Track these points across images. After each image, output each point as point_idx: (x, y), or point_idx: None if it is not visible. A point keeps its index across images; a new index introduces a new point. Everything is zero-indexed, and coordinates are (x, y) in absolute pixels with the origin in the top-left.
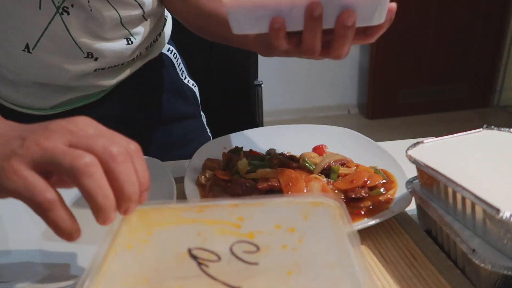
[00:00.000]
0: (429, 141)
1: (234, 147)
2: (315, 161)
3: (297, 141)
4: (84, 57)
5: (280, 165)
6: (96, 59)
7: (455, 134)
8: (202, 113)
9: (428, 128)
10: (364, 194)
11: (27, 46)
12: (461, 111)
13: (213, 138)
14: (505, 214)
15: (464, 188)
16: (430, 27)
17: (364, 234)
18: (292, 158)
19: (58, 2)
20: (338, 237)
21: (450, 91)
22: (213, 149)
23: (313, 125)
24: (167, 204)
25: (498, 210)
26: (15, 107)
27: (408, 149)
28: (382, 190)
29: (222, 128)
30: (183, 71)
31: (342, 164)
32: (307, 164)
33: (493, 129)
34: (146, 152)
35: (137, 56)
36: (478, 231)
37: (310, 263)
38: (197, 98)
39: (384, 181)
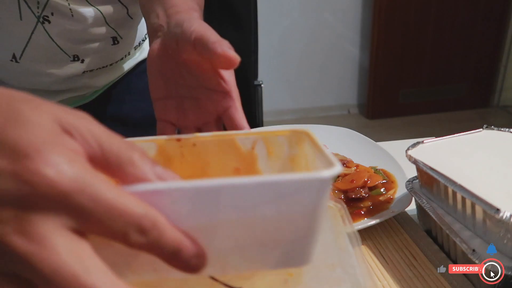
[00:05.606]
0: (429, 141)
1: None
2: None
3: None
4: (71, 61)
5: None
6: (82, 61)
7: (455, 134)
8: None
9: (428, 128)
10: (364, 194)
11: (14, 56)
12: (461, 111)
13: None
14: (505, 214)
15: (464, 188)
16: (430, 27)
17: (364, 234)
18: None
19: (38, 12)
20: (338, 237)
21: (450, 91)
22: None
23: (313, 125)
24: None
25: (498, 210)
26: None
27: (408, 149)
28: (382, 190)
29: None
30: None
31: (342, 164)
32: None
33: (493, 129)
34: None
35: (125, 55)
36: (478, 231)
37: (310, 264)
38: None
39: (384, 181)
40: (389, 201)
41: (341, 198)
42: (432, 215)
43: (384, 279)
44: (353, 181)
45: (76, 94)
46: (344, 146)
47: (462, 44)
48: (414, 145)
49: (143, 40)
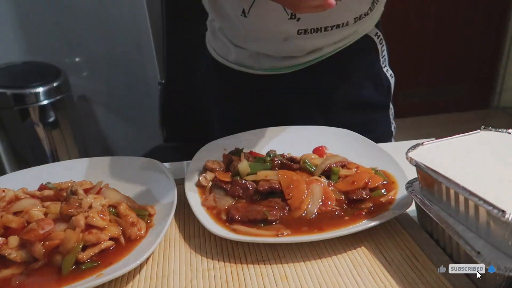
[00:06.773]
0: (428, 143)
1: (234, 148)
2: (315, 163)
3: (297, 143)
4: (288, 19)
5: (281, 166)
6: (298, 19)
7: (454, 136)
8: (391, 105)
9: (428, 129)
10: (365, 196)
11: (243, 12)
12: (461, 112)
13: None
14: (511, 216)
15: (467, 190)
16: (430, 27)
17: (366, 235)
18: (292, 159)
19: None
20: None
21: (450, 92)
22: (213, 150)
23: (313, 126)
24: None
25: (503, 212)
26: (237, 66)
27: (408, 151)
28: (383, 191)
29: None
30: (384, 58)
31: (343, 166)
32: (307, 166)
33: (491, 130)
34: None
35: (341, 24)
36: (481, 233)
37: None
38: (391, 90)
39: (384, 182)
40: (390, 202)
41: (342, 199)
42: (433, 217)
43: (386, 280)
44: (354, 182)
45: (288, 64)
46: (344, 146)
47: (462, 45)
48: (414, 147)
49: (365, 15)
